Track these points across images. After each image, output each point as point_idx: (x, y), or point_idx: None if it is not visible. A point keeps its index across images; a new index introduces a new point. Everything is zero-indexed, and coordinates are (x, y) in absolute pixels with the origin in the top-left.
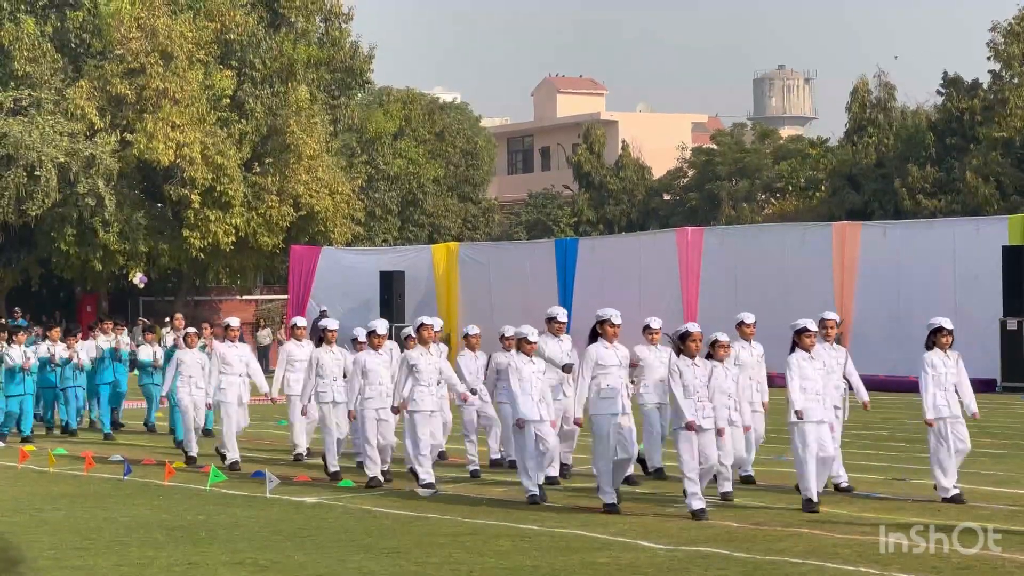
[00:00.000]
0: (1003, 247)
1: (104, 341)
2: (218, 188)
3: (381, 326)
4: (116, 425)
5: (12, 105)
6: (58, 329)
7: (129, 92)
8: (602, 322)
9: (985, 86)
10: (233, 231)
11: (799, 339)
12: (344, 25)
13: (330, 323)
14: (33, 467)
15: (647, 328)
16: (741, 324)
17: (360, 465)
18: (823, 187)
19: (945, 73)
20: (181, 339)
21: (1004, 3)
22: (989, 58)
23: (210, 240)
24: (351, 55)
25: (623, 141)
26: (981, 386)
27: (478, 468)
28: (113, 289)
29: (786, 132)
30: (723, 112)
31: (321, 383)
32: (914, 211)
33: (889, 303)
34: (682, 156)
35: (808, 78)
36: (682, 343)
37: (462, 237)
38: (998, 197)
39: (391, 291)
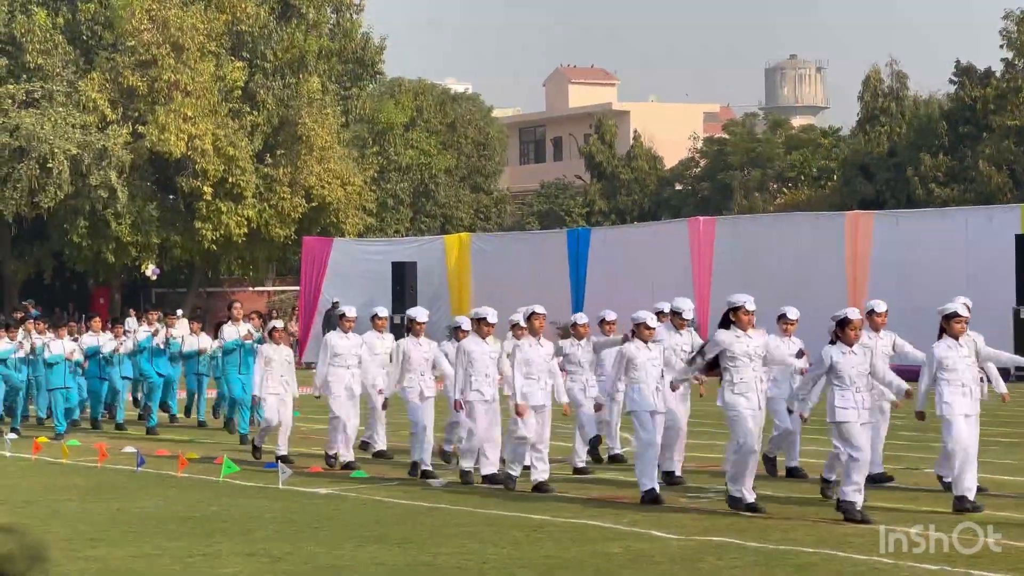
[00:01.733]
0: (1016, 235)
1: (144, 332)
2: (230, 179)
3: (491, 315)
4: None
5: (24, 97)
6: (98, 320)
7: (141, 84)
8: (735, 309)
9: (998, 74)
10: (245, 222)
11: (948, 326)
12: (355, 16)
13: (420, 313)
14: (47, 458)
15: (783, 317)
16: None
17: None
18: (835, 176)
19: (958, 61)
20: (267, 335)
21: None
22: (1002, 46)
23: (222, 232)
24: (362, 46)
25: (635, 131)
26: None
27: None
28: (125, 281)
29: (798, 121)
30: (735, 102)
31: (408, 377)
32: (927, 200)
33: (902, 292)
34: (694, 146)
35: (820, 67)
36: (841, 330)
37: (474, 228)
38: (1011, 185)
39: (403, 282)
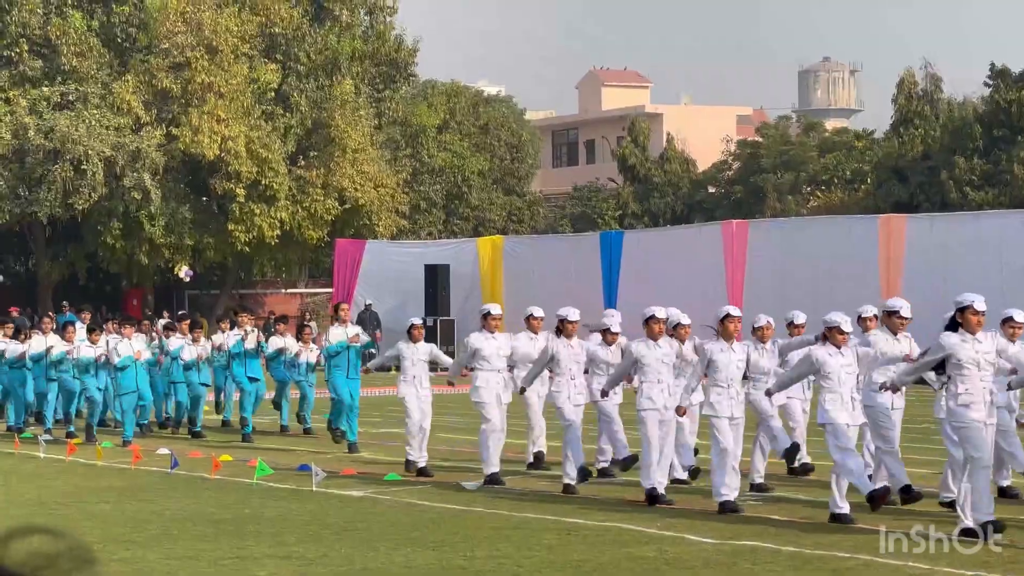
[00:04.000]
0: None
1: (232, 336)
2: (263, 182)
3: (632, 314)
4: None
5: (59, 99)
6: (187, 322)
7: (175, 86)
8: (963, 309)
9: None
10: (278, 224)
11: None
12: (388, 18)
13: (571, 313)
14: (80, 460)
15: (1008, 320)
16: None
17: (604, 472)
18: (869, 179)
19: (992, 64)
20: (407, 331)
21: None
22: None
23: (255, 234)
24: (395, 48)
25: (668, 134)
26: None
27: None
28: (159, 283)
29: (831, 124)
30: (768, 104)
31: (557, 381)
32: (961, 204)
33: (936, 296)
34: (727, 149)
35: (854, 70)
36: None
37: (507, 230)
38: None
39: (436, 285)
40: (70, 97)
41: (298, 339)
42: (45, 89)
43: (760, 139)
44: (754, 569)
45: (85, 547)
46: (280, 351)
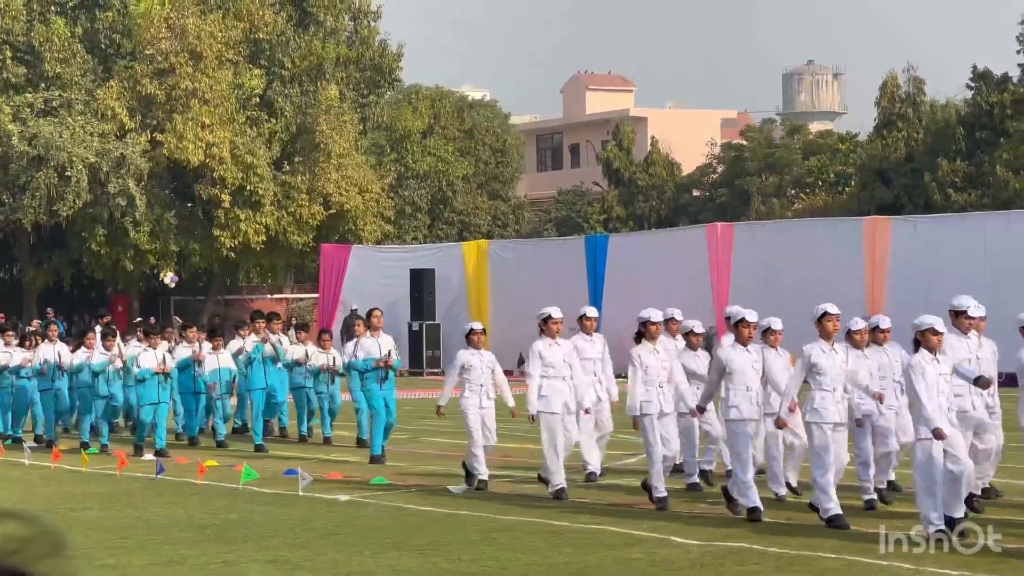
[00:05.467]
0: None
1: (252, 342)
2: (248, 187)
3: (746, 314)
4: (267, 433)
5: (43, 106)
6: (194, 329)
7: (159, 92)
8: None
9: (1015, 79)
10: (263, 230)
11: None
12: (372, 23)
13: (654, 314)
14: (66, 466)
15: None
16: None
17: (692, 487)
18: (853, 182)
19: (975, 67)
20: (465, 337)
21: None
22: (1019, 51)
23: (240, 239)
24: (380, 53)
25: (652, 137)
26: (1012, 380)
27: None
28: (144, 289)
29: (815, 127)
30: (752, 108)
31: (646, 391)
32: (944, 205)
33: (920, 298)
34: (711, 152)
35: (837, 73)
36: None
37: (492, 235)
38: None
39: (421, 289)
40: (54, 103)
41: (318, 345)
42: (29, 95)
43: (744, 142)
44: (740, 570)
45: (56, 532)
46: (298, 362)
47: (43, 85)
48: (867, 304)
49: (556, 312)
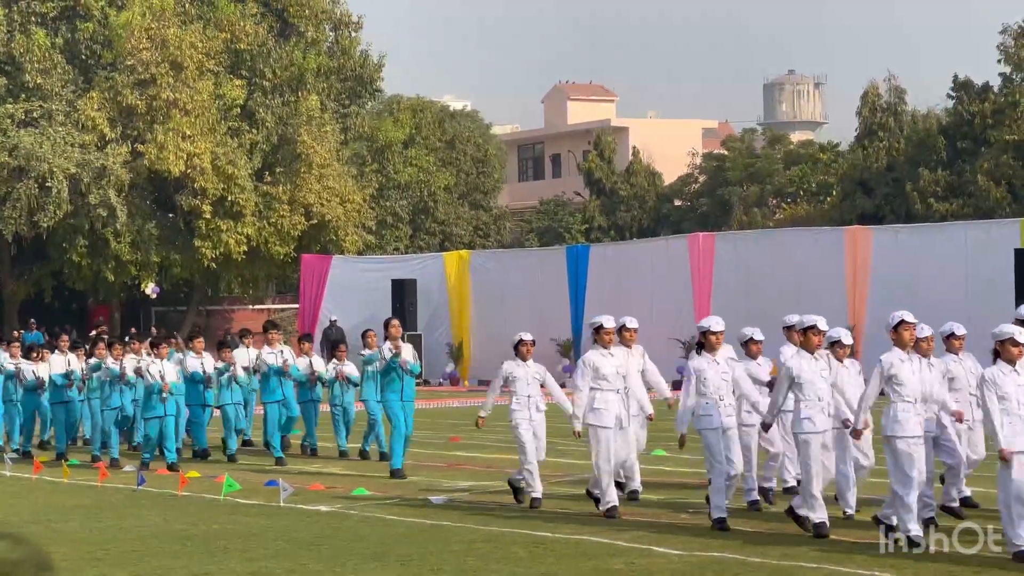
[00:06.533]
0: (1015, 250)
1: (268, 354)
2: (229, 198)
3: (823, 322)
4: (285, 448)
5: (23, 117)
6: (201, 340)
7: (140, 103)
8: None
9: (996, 89)
10: (244, 240)
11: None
12: (353, 34)
13: (715, 323)
14: (47, 478)
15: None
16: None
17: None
18: (834, 192)
19: (955, 76)
20: (513, 347)
21: (1014, 5)
22: (999, 61)
23: (222, 250)
24: (361, 64)
25: (634, 147)
26: None
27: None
28: (125, 300)
29: (797, 137)
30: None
31: (704, 404)
32: (925, 215)
33: (902, 307)
34: (693, 162)
35: (818, 83)
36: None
37: (473, 245)
38: (1009, 200)
39: (403, 300)
40: (34, 114)
41: (333, 357)
42: (9, 106)
43: (726, 152)
44: None
45: (43, 553)
46: (310, 378)
47: (23, 96)
48: (849, 314)
49: (609, 321)
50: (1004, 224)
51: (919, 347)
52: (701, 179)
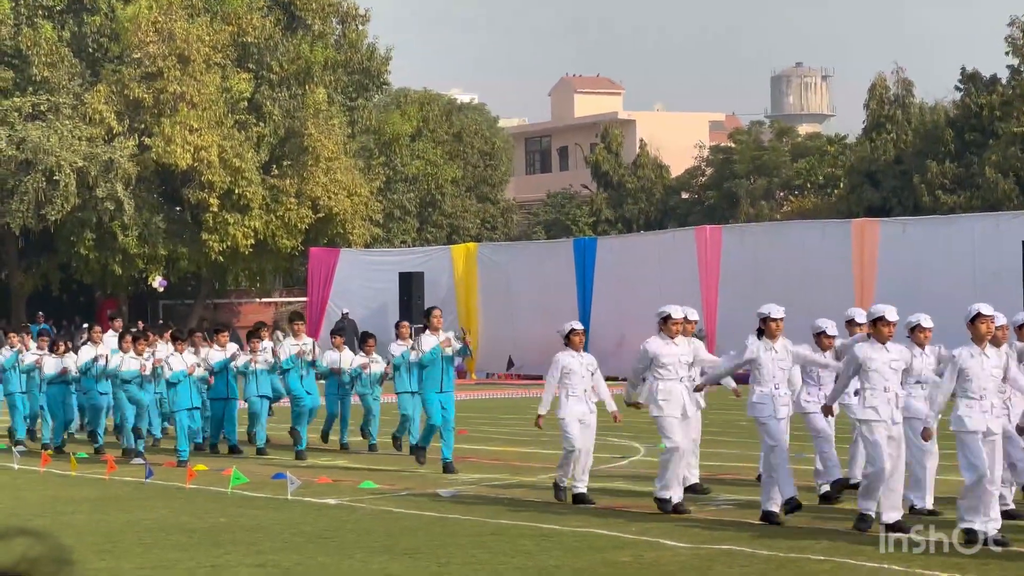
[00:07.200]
0: (1023, 242)
1: (293, 345)
2: (236, 191)
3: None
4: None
5: (31, 110)
6: (226, 334)
7: (147, 96)
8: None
9: (1004, 81)
10: (252, 234)
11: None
12: (361, 27)
13: (774, 310)
14: (55, 471)
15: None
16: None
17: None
18: (842, 184)
19: (963, 69)
20: (564, 338)
21: None
22: (1007, 53)
23: (229, 243)
24: (368, 57)
25: (641, 140)
26: None
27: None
28: (133, 293)
29: (804, 129)
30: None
31: (759, 392)
32: (933, 207)
33: (909, 299)
34: (700, 155)
35: (826, 75)
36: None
37: (481, 237)
38: (1017, 192)
39: (410, 292)
40: (42, 108)
41: (361, 349)
42: (16, 99)
43: (733, 145)
44: (729, 572)
45: (64, 549)
46: (335, 371)
47: (31, 89)
48: (856, 306)
49: (676, 311)
50: (1012, 216)
51: (994, 338)
52: (708, 172)
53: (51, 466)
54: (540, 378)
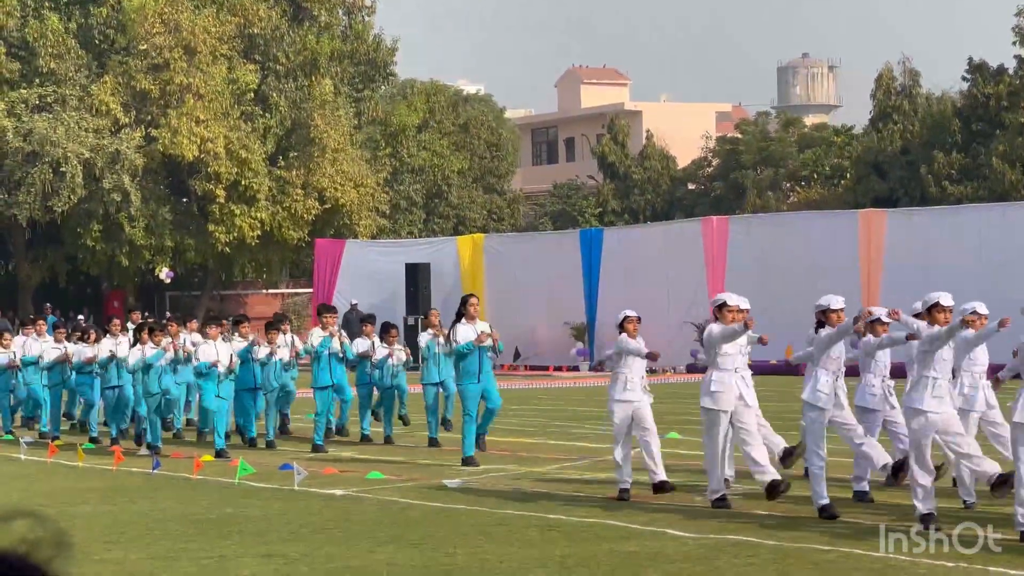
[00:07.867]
0: None
1: (318, 335)
2: (243, 182)
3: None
4: (341, 430)
5: (37, 102)
6: (247, 325)
7: (153, 87)
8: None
9: (1011, 71)
10: (258, 225)
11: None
12: (367, 18)
13: (835, 301)
14: (63, 462)
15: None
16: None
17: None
18: (848, 175)
19: (970, 59)
20: (617, 326)
21: None
22: (1015, 43)
23: (235, 234)
24: (374, 48)
25: (647, 131)
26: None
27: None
28: (139, 284)
29: (811, 120)
30: (747, 101)
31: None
32: (940, 198)
33: (916, 290)
34: (706, 145)
35: (832, 66)
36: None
37: (487, 229)
38: None
39: (417, 283)
40: (48, 99)
41: (382, 340)
42: (23, 91)
43: (739, 136)
44: (735, 563)
45: (64, 532)
46: (364, 355)
47: (37, 81)
48: (863, 298)
49: (732, 299)
50: (1019, 207)
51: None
52: (715, 162)
53: (58, 457)
54: (546, 368)
